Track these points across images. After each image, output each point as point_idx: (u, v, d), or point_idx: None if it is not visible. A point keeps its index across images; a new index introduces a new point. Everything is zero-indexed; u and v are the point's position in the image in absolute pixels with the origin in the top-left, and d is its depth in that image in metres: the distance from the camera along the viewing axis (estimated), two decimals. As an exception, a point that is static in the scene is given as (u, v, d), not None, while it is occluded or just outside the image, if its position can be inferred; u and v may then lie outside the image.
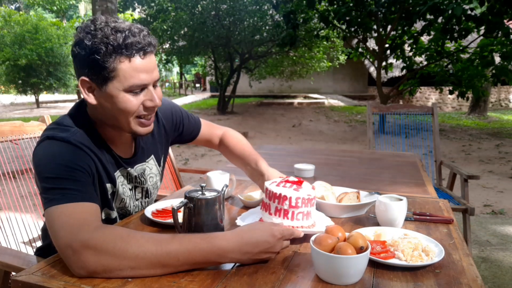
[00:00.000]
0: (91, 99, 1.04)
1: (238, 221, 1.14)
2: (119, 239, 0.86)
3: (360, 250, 0.84)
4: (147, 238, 0.88)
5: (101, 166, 1.09)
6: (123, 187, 1.19)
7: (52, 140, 1.00)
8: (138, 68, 1.00)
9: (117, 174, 1.16)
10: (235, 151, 1.48)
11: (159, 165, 1.32)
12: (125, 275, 0.86)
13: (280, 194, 1.04)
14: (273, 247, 0.93)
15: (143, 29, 1.02)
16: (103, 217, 1.16)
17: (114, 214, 1.19)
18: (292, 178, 1.11)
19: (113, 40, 0.96)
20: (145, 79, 1.02)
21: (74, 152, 1.00)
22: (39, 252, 1.32)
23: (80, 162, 0.99)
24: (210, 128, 1.52)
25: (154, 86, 1.07)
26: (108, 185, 1.13)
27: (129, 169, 1.19)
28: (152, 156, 1.29)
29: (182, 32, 11.78)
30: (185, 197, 1.01)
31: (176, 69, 28.63)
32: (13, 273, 1.28)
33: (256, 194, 1.45)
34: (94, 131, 1.09)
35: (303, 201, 1.04)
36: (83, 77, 1.02)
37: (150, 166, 1.28)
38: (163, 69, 21.55)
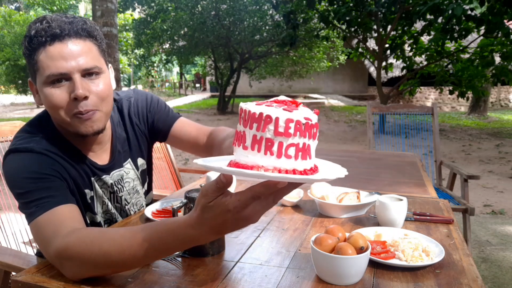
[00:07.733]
0: (36, 99, 1.01)
1: (199, 161, 0.70)
2: (83, 247, 0.81)
3: (360, 250, 0.84)
4: (110, 243, 0.80)
5: (75, 171, 1.04)
6: (103, 190, 1.14)
7: (15, 153, 0.96)
8: (54, 55, 0.92)
9: (93, 179, 1.10)
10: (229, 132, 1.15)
11: (137, 169, 1.24)
12: (109, 274, 0.85)
13: (261, 114, 0.63)
14: (241, 217, 0.68)
15: (67, 16, 0.96)
16: (88, 222, 1.13)
17: (98, 218, 1.15)
18: (282, 97, 0.69)
19: (29, 31, 0.94)
20: (62, 67, 0.92)
21: (39, 160, 0.95)
22: (39, 252, 1.32)
23: (46, 170, 0.94)
24: (194, 124, 1.29)
25: (88, 75, 0.96)
26: (87, 190, 1.09)
27: (104, 176, 1.12)
28: (129, 159, 1.21)
29: (182, 32, 11.80)
30: (185, 197, 1.01)
31: (176, 69, 28.61)
32: (13, 273, 1.28)
33: None
34: (62, 138, 1.04)
35: (297, 126, 0.63)
36: (29, 79, 1.01)
37: (126, 171, 1.20)
38: (163, 69, 21.56)
